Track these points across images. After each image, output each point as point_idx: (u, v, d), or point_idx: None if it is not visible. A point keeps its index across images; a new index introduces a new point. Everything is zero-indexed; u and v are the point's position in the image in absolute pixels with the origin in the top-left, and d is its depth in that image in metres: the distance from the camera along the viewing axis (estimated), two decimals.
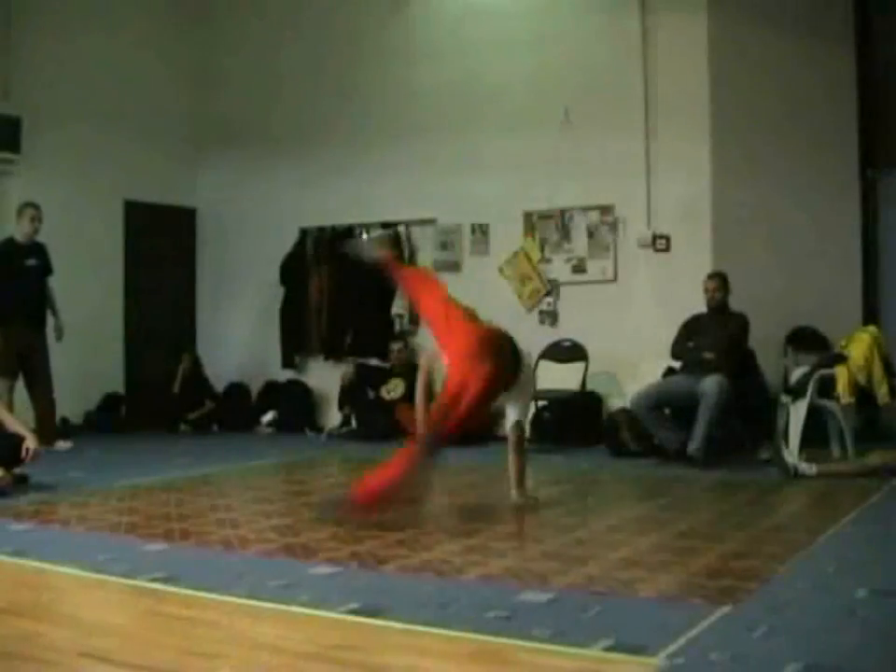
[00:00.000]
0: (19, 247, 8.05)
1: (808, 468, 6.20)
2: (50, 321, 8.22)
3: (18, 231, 8.08)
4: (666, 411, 7.28)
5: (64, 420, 8.77)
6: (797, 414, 6.58)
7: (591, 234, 8.64)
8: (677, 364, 7.50)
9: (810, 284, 8.20)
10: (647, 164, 8.36)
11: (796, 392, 6.68)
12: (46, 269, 8.17)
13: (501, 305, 8.30)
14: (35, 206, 8.06)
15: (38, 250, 8.13)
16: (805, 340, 8.13)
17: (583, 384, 8.39)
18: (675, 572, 3.83)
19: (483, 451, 7.60)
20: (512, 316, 8.68)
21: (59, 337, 8.22)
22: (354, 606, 3.36)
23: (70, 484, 6.15)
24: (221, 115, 10.44)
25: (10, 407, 7.70)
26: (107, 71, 9.62)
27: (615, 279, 8.55)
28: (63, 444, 8.00)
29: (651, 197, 8.38)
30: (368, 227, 9.52)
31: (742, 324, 7.21)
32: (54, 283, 8.23)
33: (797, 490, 5.95)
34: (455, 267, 9.15)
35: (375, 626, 3.19)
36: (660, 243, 8.35)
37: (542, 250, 8.84)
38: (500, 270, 8.96)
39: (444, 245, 9.26)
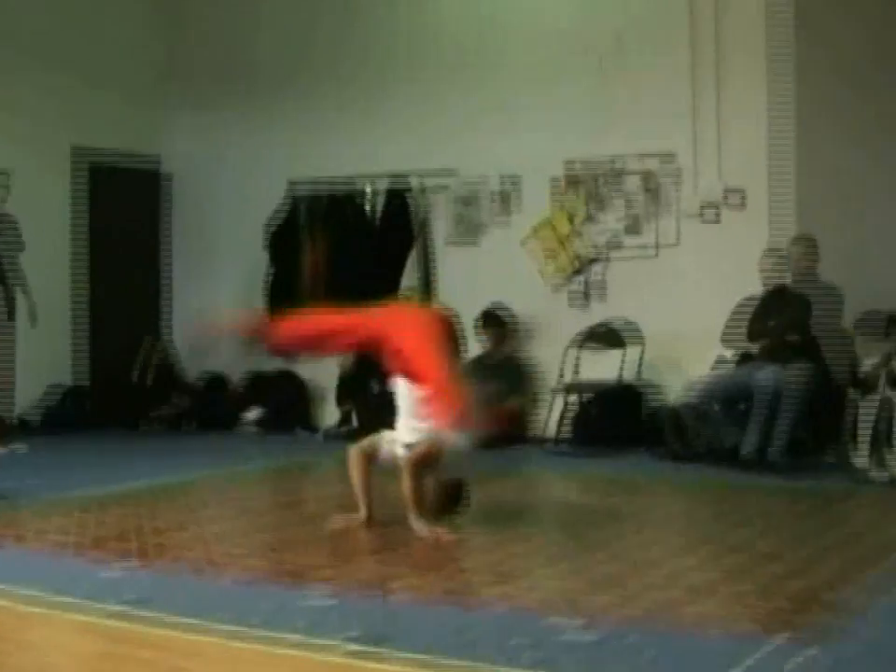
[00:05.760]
0: None
1: (880, 473, 6.22)
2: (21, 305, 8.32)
3: None
4: (716, 407, 7.27)
5: (22, 420, 8.83)
6: (867, 411, 6.60)
7: (633, 201, 8.53)
8: (752, 348, 7.37)
9: (884, 262, 8.11)
10: (717, 109, 8.17)
11: (866, 385, 6.70)
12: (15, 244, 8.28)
13: (524, 283, 8.26)
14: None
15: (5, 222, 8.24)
16: (876, 325, 8.11)
17: (621, 375, 8.37)
18: (723, 595, 3.86)
19: (509, 455, 7.57)
20: (536, 296, 8.71)
21: (33, 321, 8.33)
22: (353, 633, 3.34)
23: (27, 493, 6.14)
24: (196, 54, 10.26)
25: None
26: (58, 5, 9.51)
27: (657, 255, 8.50)
28: (18, 447, 8.00)
29: (722, 146, 8.19)
30: (373, 179, 9.46)
31: (837, 301, 7.10)
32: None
33: (867, 498, 5.98)
34: (476, 232, 9.14)
35: (376, 670, 3.13)
36: (733, 198, 8.08)
37: (573, 221, 8.76)
38: (523, 243, 8.92)
39: (464, 209, 9.17)
